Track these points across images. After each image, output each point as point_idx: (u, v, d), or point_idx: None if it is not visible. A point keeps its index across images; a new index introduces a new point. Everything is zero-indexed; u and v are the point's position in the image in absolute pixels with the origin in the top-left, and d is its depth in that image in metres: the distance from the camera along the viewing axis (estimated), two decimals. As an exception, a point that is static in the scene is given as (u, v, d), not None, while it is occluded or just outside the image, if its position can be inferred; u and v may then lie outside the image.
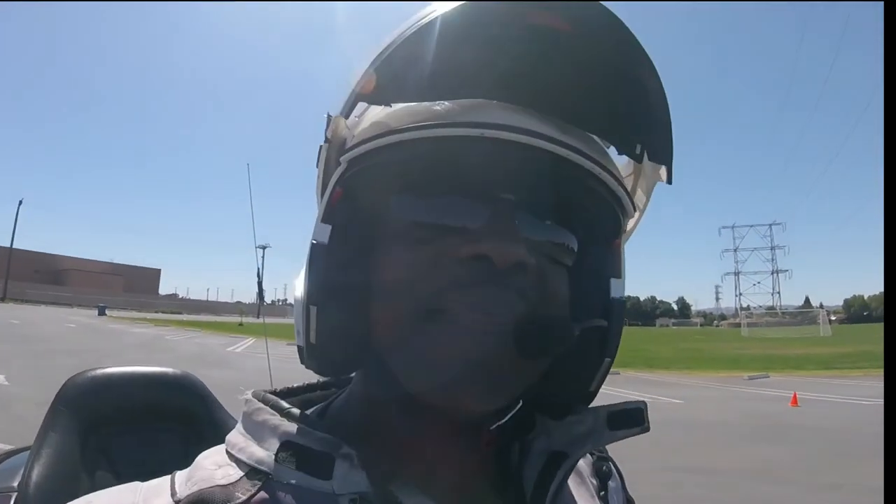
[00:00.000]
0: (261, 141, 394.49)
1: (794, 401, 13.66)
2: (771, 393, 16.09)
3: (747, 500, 6.24)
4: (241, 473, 0.53)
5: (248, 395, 0.60)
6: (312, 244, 0.54)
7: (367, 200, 0.55)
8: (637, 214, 0.67)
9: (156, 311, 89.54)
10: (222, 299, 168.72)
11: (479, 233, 0.51)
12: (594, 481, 0.74)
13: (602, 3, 0.50)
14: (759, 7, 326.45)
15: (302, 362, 0.58)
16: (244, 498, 0.51)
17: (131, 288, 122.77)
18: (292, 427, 0.54)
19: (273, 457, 0.53)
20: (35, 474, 1.14)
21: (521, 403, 0.61)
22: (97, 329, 33.45)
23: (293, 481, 0.52)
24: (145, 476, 0.58)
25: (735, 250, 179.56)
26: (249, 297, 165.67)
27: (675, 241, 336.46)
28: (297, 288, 0.57)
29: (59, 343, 21.51)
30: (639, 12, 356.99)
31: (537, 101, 0.54)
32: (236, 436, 0.58)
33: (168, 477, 0.55)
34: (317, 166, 0.60)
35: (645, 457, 8.49)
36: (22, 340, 20.32)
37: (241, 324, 56.30)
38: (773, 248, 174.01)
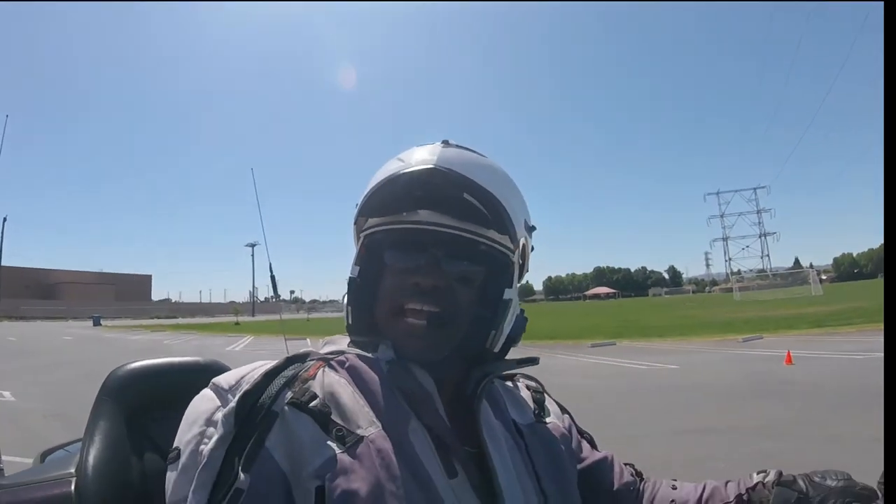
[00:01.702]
0: (246, 141, 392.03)
1: (789, 359, 13.89)
2: (765, 353, 16.32)
3: (749, 456, 6.32)
4: (327, 353, 1.06)
5: (328, 337, 1.15)
6: (350, 277, 1.07)
7: (374, 254, 1.07)
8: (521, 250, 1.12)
9: (150, 318, 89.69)
10: (216, 300, 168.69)
11: (418, 270, 1.01)
12: (532, 405, 1.23)
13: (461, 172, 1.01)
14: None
15: (347, 332, 1.10)
16: (332, 357, 1.03)
17: (123, 296, 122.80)
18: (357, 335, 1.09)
19: (345, 345, 1.09)
20: (90, 459, 1.29)
21: (448, 353, 1.02)
22: (94, 339, 33.65)
23: (357, 352, 1.04)
24: None
25: (722, 216, 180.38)
26: (243, 296, 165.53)
27: (661, 211, 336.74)
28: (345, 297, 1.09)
29: (59, 356, 21.66)
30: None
31: (447, 209, 1.03)
32: (326, 346, 1.11)
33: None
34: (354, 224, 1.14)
35: (646, 422, 8.75)
36: (21, 356, 20.49)
37: (237, 323, 56.55)
38: (759, 212, 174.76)
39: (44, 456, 1.73)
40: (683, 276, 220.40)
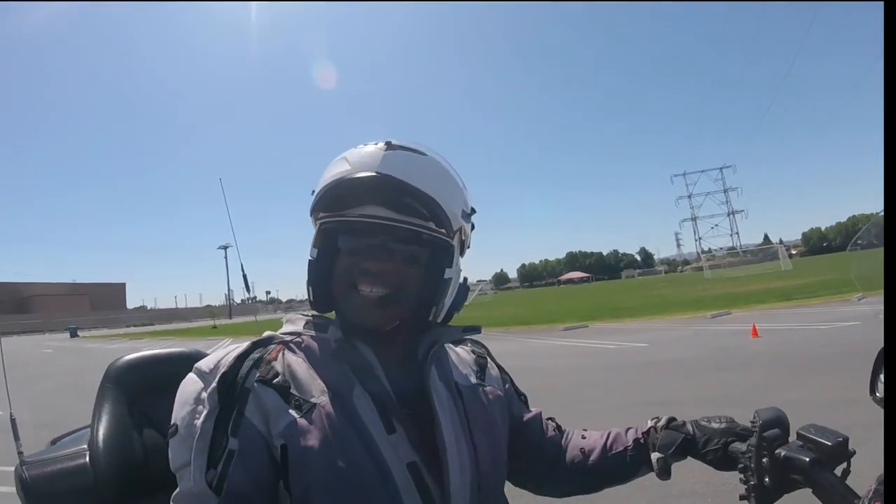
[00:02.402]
0: (216, 145, 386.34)
1: (755, 332, 14.29)
2: (733, 328, 16.70)
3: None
4: (287, 334, 1.22)
5: (290, 314, 1.30)
6: (310, 260, 1.19)
7: (330, 238, 1.19)
8: (462, 236, 1.29)
9: (126, 326, 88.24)
10: (191, 304, 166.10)
11: (369, 254, 1.15)
12: (475, 368, 1.37)
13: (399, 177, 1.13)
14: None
15: (311, 308, 1.24)
16: (290, 339, 1.20)
17: (98, 305, 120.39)
18: (310, 317, 1.25)
19: (301, 326, 1.23)
20: (100, 435, 1.62)
21: (398, 322, 1.18)
22: (74, 350, 33.31)
23: (310, 334, 1.21)
24: None
25: (689, 196, 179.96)
26: (219, 299, 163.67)
27: (630, 193, 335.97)
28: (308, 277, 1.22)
29: (41, 368, 21.48)
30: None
31: (393, 207, 1.14)
32: (283, 328, 1.26)
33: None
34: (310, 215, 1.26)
35: (612, 396, 9.13)
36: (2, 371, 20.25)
37: (214, 326, 55.98)
38: (726, 191, 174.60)
39: (53, 442, 1.94)
40: (655, 257, 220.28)
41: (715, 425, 1.25)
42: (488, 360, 1.43)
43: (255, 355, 1.13)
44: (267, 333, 1.23)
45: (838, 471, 1.09)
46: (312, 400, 1.08)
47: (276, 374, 1.10)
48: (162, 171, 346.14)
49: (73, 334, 59.51)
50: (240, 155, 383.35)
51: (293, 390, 1.09)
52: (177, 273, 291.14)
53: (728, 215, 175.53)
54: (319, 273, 1.20)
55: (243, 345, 1.16)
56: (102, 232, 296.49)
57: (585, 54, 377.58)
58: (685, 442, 1.26)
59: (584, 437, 1.43)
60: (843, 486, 1.07)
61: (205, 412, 1.05)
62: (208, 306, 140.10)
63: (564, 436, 1.47)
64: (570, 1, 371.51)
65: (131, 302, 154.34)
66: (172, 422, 1.09)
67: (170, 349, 1.96)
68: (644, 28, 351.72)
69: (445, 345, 1.32)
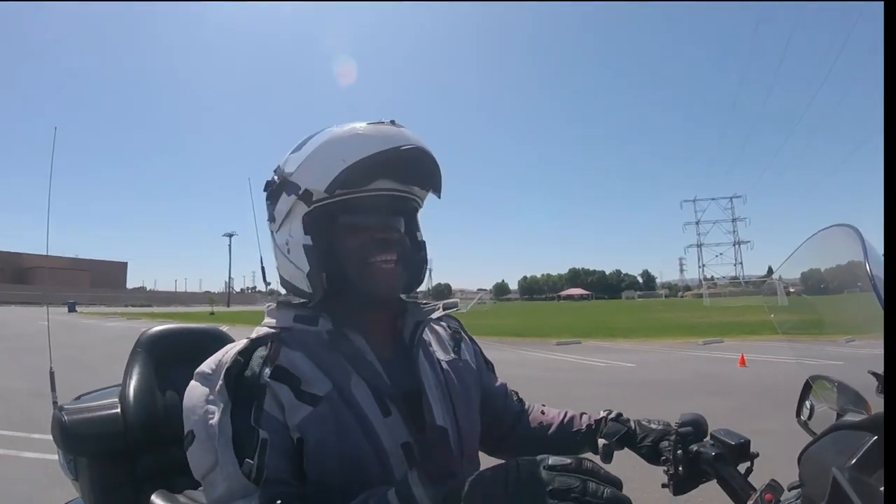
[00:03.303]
0: (226, 132, 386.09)
1: (742, 361, 14.31)
2: (722, 356, 16.61)
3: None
4: (277, 330, 1.22)
5: (269, 304, 1.32)
6: (305, 245, 1.19)
7: (321, 221, 1.21)
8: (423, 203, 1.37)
9: (125, 305, 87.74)
10: (191, 289, 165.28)
11: (379, 227, 1.22)
12: (451, 343, 1.46)
13: (421, 144, 1.21)
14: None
15: (312, 300, 1.24)
16: (283, 334, 1.20)
17: (98, 283, 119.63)
18: (297, 309, 1.25)
19: (290, 321, 1.23)
20: (130, 391, 1.91)
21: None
22: (71, 325, 33.12)
23: (300, 328, 1.21)
24: None
25: (697, 223, 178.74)
26: (218, 286, 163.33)
27: (638, 215, 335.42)
28: (296, 264, 1.23)
29: (38, 341, 21.47)
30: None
31: (404, 178, 1.24)
32: (267, 319, 1.27)
33: (244, 339, 1.21)
34: (269, 200, 1.29)
35: (592, 409, 9.20)
36: (1, 341, 20.39)
37: (212, 313, 55.71)
38: (734, 221, 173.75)
39: (79, 398, 2.18)
40: (657, 280, 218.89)
41: (653, 426, 1.48)
42: (462, 333, 1.54)
43: (262, 353, 1.15)
44: (257, 332, 1.22)
45: (742, 468, 1.34)
46: (318, 393, 1.12)
47: (285, 371, 1.12)
48: (175, 154, 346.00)
49: (72, 309, 59.42)
50: (249, 143, 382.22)
51: (302, 386, 1.11)
52: (179, 256, 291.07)
53: (734, 245, 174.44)
54: (326, 257, 1.20)
55: (241, 342, 1.18)
56: (111, 209, 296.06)
57: (604, 75, 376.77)
58: (626, 434, 1.49)
59: (543, 413, 1.62)
60: (743, 480, 1.30)
61: (218, 411, 1.06)
62: (207, 292, 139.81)
63: (527, 407, 1.65)
64: (585, 5, 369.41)
65: (131, 282, 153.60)
66: (186, 430, 1.11)
67: (193, 325, 2.26)
68: (667, 53, 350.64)
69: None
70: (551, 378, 12.86)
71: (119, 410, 1.87)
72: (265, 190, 1.31)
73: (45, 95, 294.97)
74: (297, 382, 1.11)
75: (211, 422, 1.06)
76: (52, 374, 2.35)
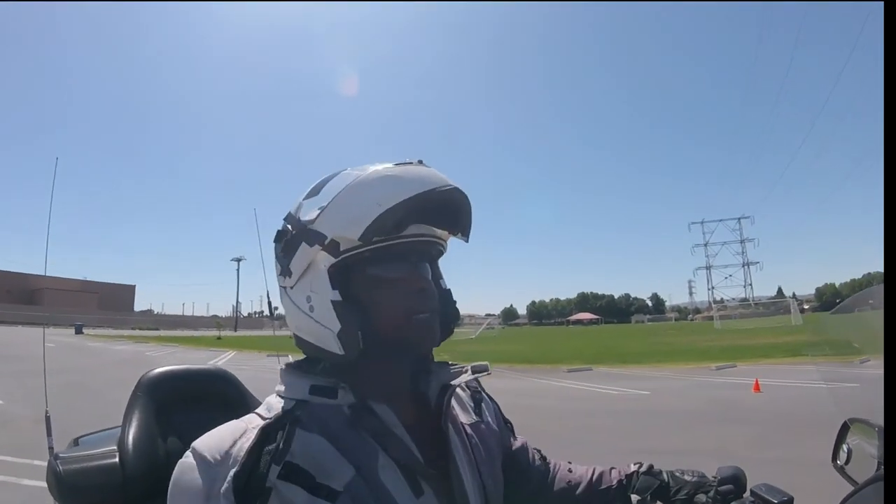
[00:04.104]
0: (235, 154, 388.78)
1: (756, 387, 14.23)
2: (735, 381, 16.59)
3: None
4: (292, 401, 1.10)
5: (284, 364, 1.22)
6: (334, 302, 1.07)
7: (348, 273, 1.10)
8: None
9: (132, 328, 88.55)
10: (198, 313, 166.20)
11: (413, 278, 1.12)
12: (471, 404, 1.37)
13: (457, 186, 1.11)
14: (721, 5, 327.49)
15: (342, 361, 1.09)
16: (298, 412, 1.06)
17: (106, 305, 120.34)
18: (314, 378, 1.13)
19: (306, 392, 1.10)
20: (130, 438, 1.76)
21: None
22: (78, 348, 33.35)
23: (318, 402, 1.09)
24: None
25: (706, 245, 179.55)
26: (225, 310, 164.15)
27: (646, 238, 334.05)
28: (323, 323, 1.10)
29: (42, 364, 21.55)
30: (608, 13, 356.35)
31: (434, 222, 1.14)
32: (280, 387, 1.15)
33: (253, 413, 1.10)
34: (283, 251, 1.16)
35: (609, 442, 9.13)
36: (5, 362, 20.22)
37: (219, 337, 56.00)
38: (742, 242, 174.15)
39: (76, 441, 2.08)
40: (667, 303, 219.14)
41: (687, 477, 1.38)
42: (482, 392, 1.45)
43: (271, 447, 1.00)
44: (271, 407, 1.10)
45: None
46: (337, 488, 0.98)
47: (295, 467, 0.99)
48: (185, 178, 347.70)
49: (79, 331, 59.68)
50: (258, 164, 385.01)
51: (319, 479, 0.98)
52: (187, 280, 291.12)
53: (743, 266, 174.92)
54: (357, 314, 1.08)
55: (250, 430, 1.04)
56: (120, 232, 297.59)
57: (612, 99, 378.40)
58: (660, 488, 1.38)
59: (570, 471, 1.50)
60: None
61: None
62: (215, 316, 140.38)
63: (551, 466, 1.53)
64: (592, 26, 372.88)
65: (139, 305, 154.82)
66: None
67: (197, 366, 2.10)
68: (674, 75, 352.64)
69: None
70: (563, 408, 12.78)
71: (117, 459, 1.75)
72: (277, 241, 1.20)
73: (54, 119, 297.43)
74: (311, 477, 0.98)
75: None
76: (47, 419, 2.23)
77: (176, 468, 1.02)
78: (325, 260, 1.10)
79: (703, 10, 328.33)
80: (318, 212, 1.10)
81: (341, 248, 1.08)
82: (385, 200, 1.04)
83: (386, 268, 1.11)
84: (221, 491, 0.95)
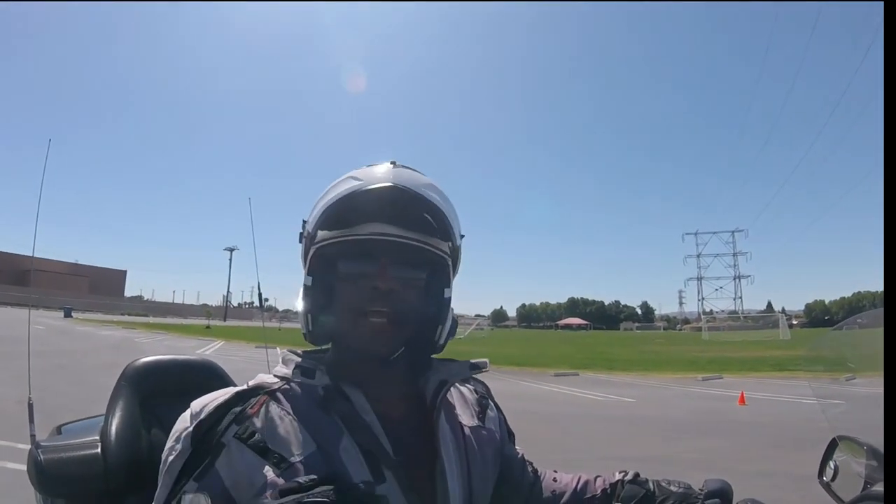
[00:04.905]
0: (231, 143, 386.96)
1: (742, 399, 14.27)
2: (721, 392, 16.68)
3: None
4: (276, 379, 1.16)
5: (285, 350, 1.24)
6: (304, 285, 1.17)
7: (325, 265, 1.17)
8: (457, 256, 1.28)
9: (122, 314, 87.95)
10: (188, 301, 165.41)
11: (375, 276, 1.12)
12: (476, 408, 1.36)
13: (405, 186, 1.13)
14: (727, 14, 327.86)
15: (305, 339, 1.21)
16: (277, 387, 1.13)
17: (96, 289, 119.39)
18: (299, 358, 1.19)
19: (291, 372, 1.16)
20: (112, 429, 1.78)
21: (403, 349, 1.19)
22: (65, 331, 33.22)
23: (298, 380, 1.15)
24: None
25: (698, 256, 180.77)
26: (216, 299, 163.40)
27: (639, 246, 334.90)
28: (299, 305, 1.18)
29: (34, 345, 21.38)
30: (612, 18, 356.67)
31: (397, 221, 1.14)
32: (278, 367, 1.21)
33: (245, 383, 1.17)
34: (300, 242, 1.26)
35: (592, 447, 9.18)
36: None
37: (208, 326, 55.73)
38: (735, 255, 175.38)
39: (59, 429, 2.10)
40: (656, 312, 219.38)
41: (673, 488, 1.33)
42: (489, 399, 1.45)
43: (237, 409, 1.08)
44: (255, 381, 1.17)
45: None
46: (292, 459, 1.03)
47: (253, 433, 1.05)
48: (183, 166, 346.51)
49: (67, 314, 59.36)
50: (254, 158, 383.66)
51: (272, 447, 1.04)
52: (178, 267, 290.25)
53: (734, 279, 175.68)
54: (318, 301, 1.18)
55: (228, 392, 1.12)
56: (113, 217, 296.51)
57: (609, 107, 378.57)
58: (645, 497, 1.33)
59: (555, 480, 1.47)
60: None
61: (176, 451, 1.05)
62: (205, 305, 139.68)
63: (539, 475, 1.50)
64: (590, 38, 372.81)
65: (129, 290, 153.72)
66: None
67: (184, 357, 2.13)
68: (669, 85, 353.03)
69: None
70: (549, 412, 12.78)
71: (99, 450, 1.75)
72: (300, 241, 1.29)
73: (47, 102, 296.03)
74: (263, 446, 1.04)
75: (169, 458, 1.06)
76: (30, 406, 2.23)
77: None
78: (310, 250, 1.20)
79: (718, 11, 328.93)
80: (311, 209, 1.21)
81: (315, 240, 1.19)
82: (331, 198, 1.15)
83: (348, 263, 1.16)
84: (183, 434, 1.06)
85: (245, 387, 1.15)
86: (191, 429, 1.05)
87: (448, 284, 1.24)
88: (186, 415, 1.09)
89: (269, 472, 1.01)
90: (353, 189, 1.13)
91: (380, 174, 1.15)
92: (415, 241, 1.17)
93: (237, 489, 1.01)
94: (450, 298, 1.24)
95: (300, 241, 1.27)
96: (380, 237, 1.15)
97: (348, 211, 1.13)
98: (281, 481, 0.99)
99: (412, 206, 1.14)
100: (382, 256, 1.15)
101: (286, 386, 1.15)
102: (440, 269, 1.24)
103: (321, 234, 1.17)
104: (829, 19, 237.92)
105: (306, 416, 1.10)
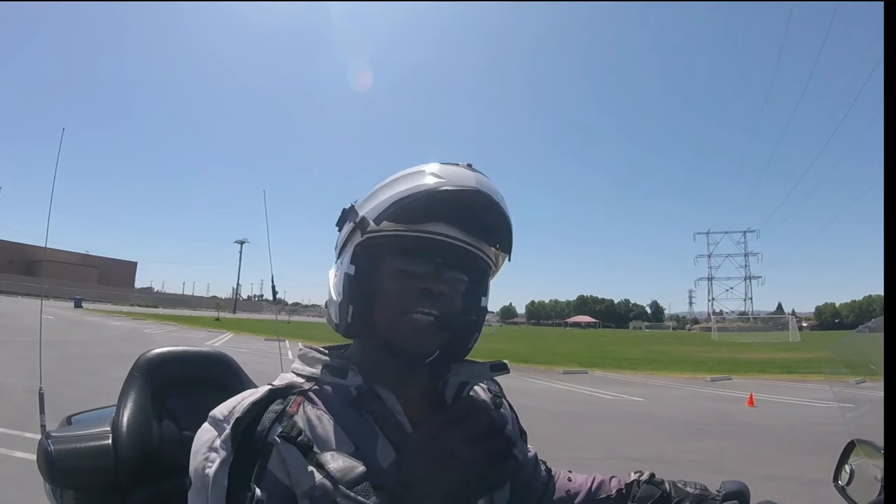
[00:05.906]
0: (242, 137, 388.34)
1: (751, 401, 14.21)
2: (730, 394, 16.60)
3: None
4: (303, 379, 1.14)
5: (302, 346, 1.21)
6: (347, 274, 1.13)
7: (371, 255, 1.13)
8: (499, 266, 1.28)
9: (131, 305, 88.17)
10: (198, 293, 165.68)
11: (426, 277, 1.10)
12: (490, 408, 1.33)
13: (486, 191, 1.11)
14: (739, 13, 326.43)
15: (337, 331, 1.18)
16: (308, 386, 1.11)
17: (106, 280, 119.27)
18: (327, 357, 1.16)
19: (319, 371, 1.12)
20: (124, 420, 1.74)
21: (438, 352, 1.16)
22: (75, 321, 33.17)
23: (328, 380, 1.11)
24: (196, 425, 1.09)
25: (709, 256, 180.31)
26: (226, 291, 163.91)
27: (650, 245, 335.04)
28: (335, 294, 1.17)
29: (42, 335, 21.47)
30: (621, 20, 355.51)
31: (463, 224, 1.12)
32: (296, 365, 1.19)
33: (266, 385, 1.13)
34: (337, 226, 1.21)
35: (600, 446, 9.16)
36: (2, 333, 20.32)
37: (217, 318, 55.85)
38: (746, 255, 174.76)
39: (69, 419, 2.08)
40: (666, 311, 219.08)
41: (689, 489, 1.34)
42: (503, 398, 1.44)
43: (276, 407, 1.06)
44: (285, 379, 1.16)
45: None
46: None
47: (300, 432, 1.02)
48: (195, 159, 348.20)
49: (78, 305, 59.23)
50: (266, 153, 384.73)
51: (316, 448, 1.01)
52: (188, 260, 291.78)
53: (745, 279, 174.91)
54: (359, 293, 1.14)
55: (260, 391, 1.10)
56: (125, 208, 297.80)
57: (621, 104, 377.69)
58: (661, 498, 1.34)
59: (570, 480, 1.47)
60: None
61: (218, 460, 1.01)
62: (214, 297, 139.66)
63: (553, 475, 1.51)
64: (602, 39, 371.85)
65: (140, 282, 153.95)
66: (189, 474, 1.05)
67: (196, 349, 2.08)
68: (683, 85, 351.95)
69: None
70: (557, 410, 12.74)
71: (110, 441, 1.72)
72: (338, 224, 1.24)
73: (62, 95, 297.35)
74: (309, 445, 1.01)
75: (208, 471, 1.00)
76: (41, 396, 2.20)
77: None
78: (355, 237, 1.15)
79: (731, 11, 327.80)
80: (367, 195, 1.17)
81: (367, 228, 1.12)
82: (405, 190, 1.09)
83: (402, 260, 1.12)
84: (221, 438, 1.01)
85: (276, 383, 1.13)
86: (228, 430, 1.02)
87: (486, 293, 1.25)
88: (207, 426, 1.07)
89: (315, 473, 0.99)
90: (435, 186, 1.09)
91: (464, 176, 1.12)
92: (472, 246, 1.15)
93: (291, 485, 1.00)
94: (486, 308, 1.24)
95: (338, 227, 1.23)
96: (441, 237, 1.12)
97: (423, 207, 1.09)
98: (328, 483, 0.97)
99: (486, 213, 1.13)
100: (437, 257, 1.13)
101: (317, 387, 1.13)
102: (482, 277, 1.23)
103: (385, 224, 1.12)
104: (844, 21, 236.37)
105: (343, 417, 1.09)
